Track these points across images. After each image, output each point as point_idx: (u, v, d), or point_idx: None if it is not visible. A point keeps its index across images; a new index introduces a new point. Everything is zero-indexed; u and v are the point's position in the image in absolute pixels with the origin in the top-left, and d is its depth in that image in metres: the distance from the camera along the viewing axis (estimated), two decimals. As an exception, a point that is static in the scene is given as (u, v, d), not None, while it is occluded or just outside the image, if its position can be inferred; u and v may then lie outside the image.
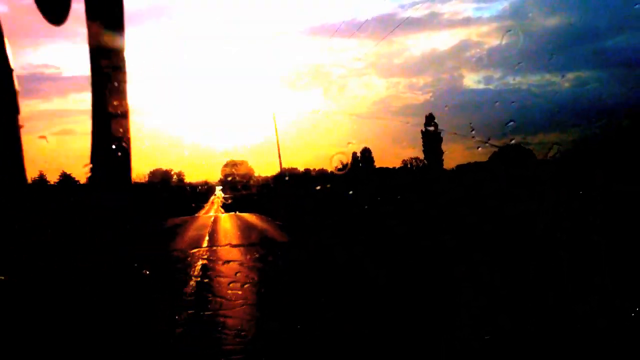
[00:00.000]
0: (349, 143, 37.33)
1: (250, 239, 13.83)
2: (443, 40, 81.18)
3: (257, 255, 10.32)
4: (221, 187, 48.47)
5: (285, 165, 45.33)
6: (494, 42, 58.15)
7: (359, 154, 46.48)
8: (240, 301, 6.12)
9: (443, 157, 35.61)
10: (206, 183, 48.10)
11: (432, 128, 36.51)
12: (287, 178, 35.70)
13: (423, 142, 39.24)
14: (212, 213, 35.60)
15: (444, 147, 36.00)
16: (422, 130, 38.49)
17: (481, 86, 52.54)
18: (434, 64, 72.51)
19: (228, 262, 9.58)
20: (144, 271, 7.60)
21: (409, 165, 40.55)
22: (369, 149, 46.46)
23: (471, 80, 67.32)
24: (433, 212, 12.15)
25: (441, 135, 35.49)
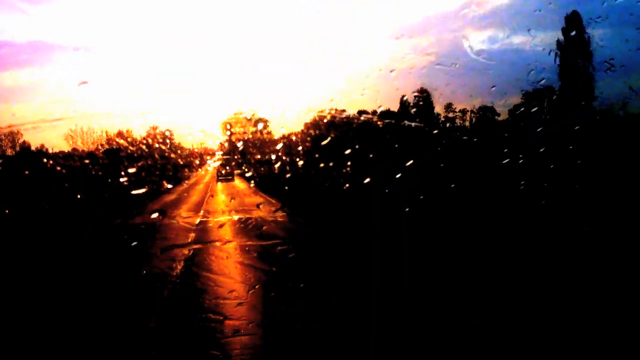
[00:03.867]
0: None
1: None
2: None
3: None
4: (221, 153, 37.84)
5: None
6: (498, 1, 55.49)
7: (409, 99, 32.23)
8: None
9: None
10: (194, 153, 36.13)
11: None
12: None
13: (561, 60, 23.76)
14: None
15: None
16: (558, 41, 24.17)
17: (485, 47, 50.56)
18: (437, 24, 69.57)
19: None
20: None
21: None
22: (425, 89, 31.34)
23: (475, 40, 64.57)
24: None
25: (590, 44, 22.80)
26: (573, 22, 24.38)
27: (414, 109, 30.06)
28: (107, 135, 36.21)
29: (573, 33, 23.93)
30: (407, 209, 9.69)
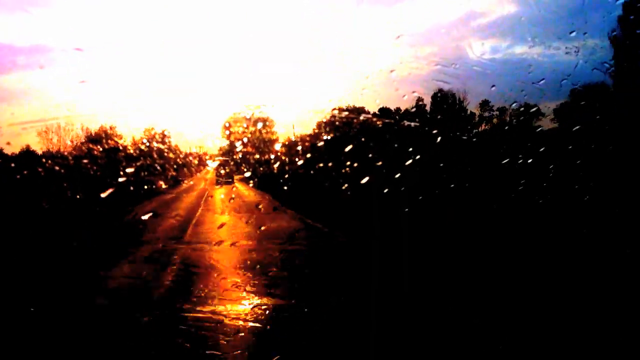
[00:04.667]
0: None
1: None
2: (450, 9, 77.94)
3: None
4: (221, 154, 38.27)
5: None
6: (502, 11, 55.72)
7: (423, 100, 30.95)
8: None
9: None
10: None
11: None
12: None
13: (615, 53, 20.77)
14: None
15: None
16: (612, 32, 21.56)
17: (487, 56, 50.69)
18: (440, 33, 69.54)
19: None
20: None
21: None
22: (442, 90, 30.23)
23: (477, 49, 64.66)
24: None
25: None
26: (631, 11, 20.67)
27: (414, 109, 28.71)
28: (87, 132, 32.29)
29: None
30: (406, 209, 9.62)
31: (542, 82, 13.59)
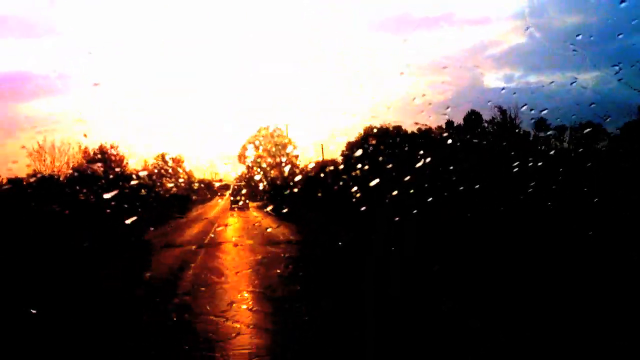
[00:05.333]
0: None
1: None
2: (463, 39, 79.24)
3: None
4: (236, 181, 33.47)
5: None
6: (515, 41, 56.04)
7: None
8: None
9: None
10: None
11: None
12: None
13: None
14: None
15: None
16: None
17: (501, 85, 50.89)
18: (453, 63, 69.79)
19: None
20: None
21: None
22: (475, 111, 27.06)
23: (491, 79, 64.75)
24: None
25: None
26: None
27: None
28: (84, 153, 25.42)
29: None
30: (414, 211, 9.19)
31: (551, 84, 12.67)
